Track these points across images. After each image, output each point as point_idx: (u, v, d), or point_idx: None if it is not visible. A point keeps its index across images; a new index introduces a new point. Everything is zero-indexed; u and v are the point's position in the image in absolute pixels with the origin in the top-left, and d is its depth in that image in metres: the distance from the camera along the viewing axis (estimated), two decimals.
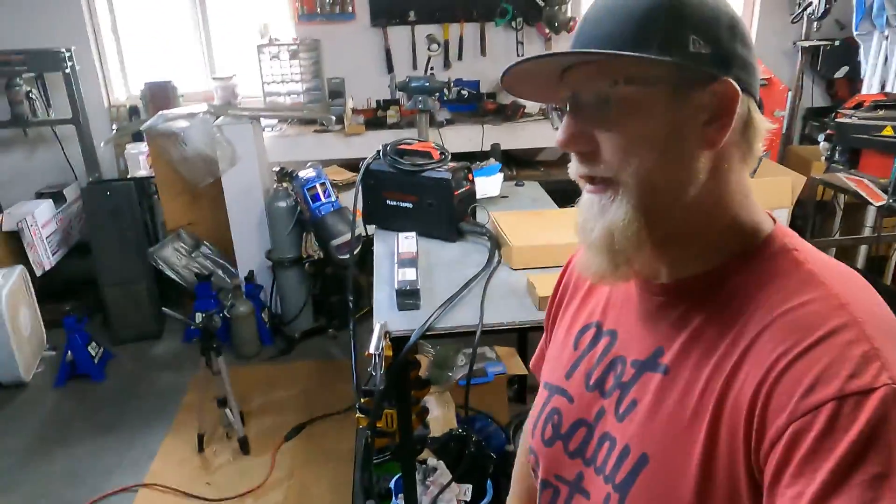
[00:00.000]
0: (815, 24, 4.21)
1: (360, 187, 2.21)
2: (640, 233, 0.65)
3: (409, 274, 1.73)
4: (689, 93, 0.63)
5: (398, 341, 1.60)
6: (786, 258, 0.65)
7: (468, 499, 2.04)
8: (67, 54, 3.71)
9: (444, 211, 2.09)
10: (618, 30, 0.63)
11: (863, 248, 3.70)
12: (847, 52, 4.16)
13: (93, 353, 3.41)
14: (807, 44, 4.27)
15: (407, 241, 1.94)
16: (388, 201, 2.20)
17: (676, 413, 0.65)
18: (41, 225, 3.63)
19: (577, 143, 0.67)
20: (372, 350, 1.48)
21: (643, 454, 0.67)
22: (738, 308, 0.64)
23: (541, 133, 3.96)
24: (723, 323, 0.64)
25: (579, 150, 0.68)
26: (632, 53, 0.61)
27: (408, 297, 1.68)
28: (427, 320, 1.59)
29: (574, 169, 0.70)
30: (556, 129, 0.71)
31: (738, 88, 0.63)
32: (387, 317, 1.66)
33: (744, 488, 0.59)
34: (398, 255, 1.86)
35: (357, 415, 1.77)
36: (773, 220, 0.71)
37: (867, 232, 3.57)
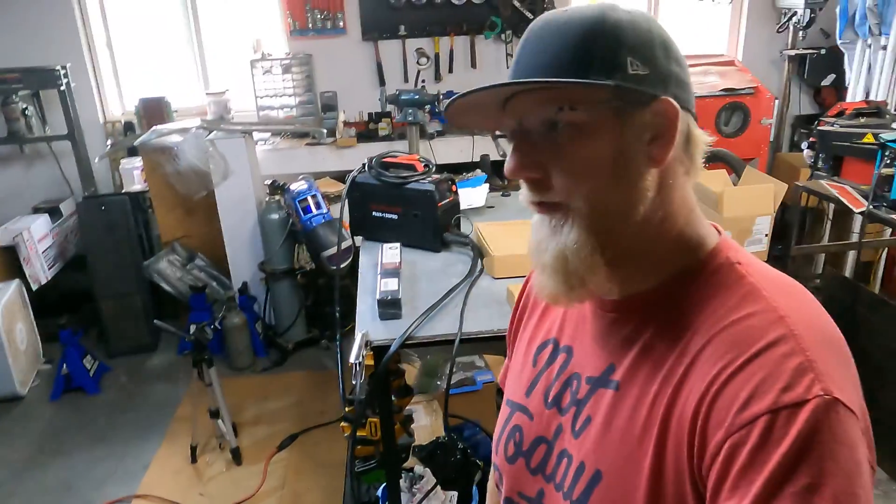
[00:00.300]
0: (801, 33, 4.28)
1: (347, 199, 2.25)
2: (594, 255, 0.66)
3: (391, 284, 1.77)
4: (631, 114, 0.65)
5: (380, 351, 1.64)
6: (729, 272, 0.67)
7: None
8: (63, 72, 3.77)
9: (428, 222, 2.13)
10: (558, 56, 0.64)
11: (851, 255, 3.73)
12: (833, 61, 4.22)
13: (88, 367, 3.45)
14: (793, 52, 4.33)
15: (391, 252, 1.98)
16: (374, 213, 2.24)
17: (627, 429, 0.66)
18: (37, 239, 3.67)
19: (527, 171, 0.67)
20: (352, 359, 1.52)
21: (597, 470, 0.68)
22: (685, 323, 0.65)
23: None
24: (670, 338, 0.66)
25: (530, 177, 0.68)
26: (576, 80, 0.63)
27: (389, 307, 1.71)
28: (407, 330, 1.63)
29: (525, 196, 0.70)
30: (502, 154, 0.72)
31: (678, 106, 0.65)
32: (369, 326, 1.70)
33: (691, 502, 0.60)
34: (381, 266, 1.89)
35: (342, 423, 1.80)
36: (719, 231, 0.73)
37: (855, 238, 3.60)
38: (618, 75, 0.63)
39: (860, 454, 0.55)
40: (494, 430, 0.88)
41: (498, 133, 0.74)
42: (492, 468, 1.08)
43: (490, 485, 1.06)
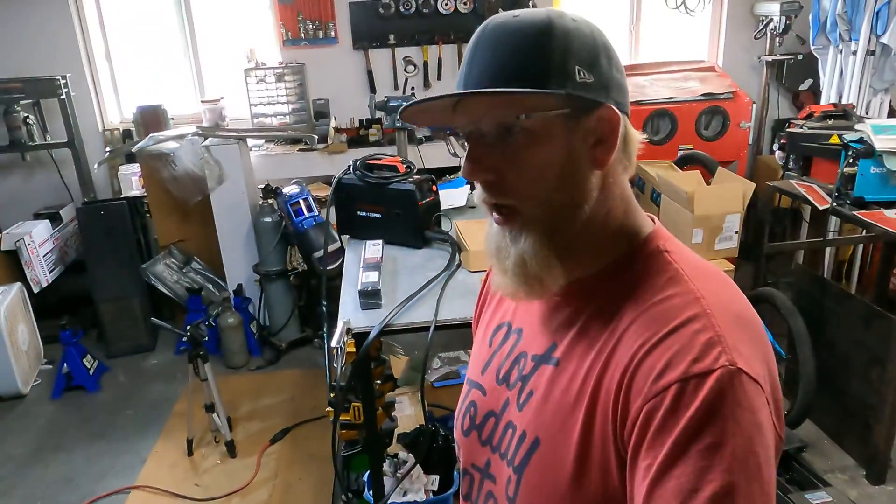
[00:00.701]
0: (778, 39, 4.41)
1: (333, 200, 2.37)
2: (550, 256, 0.72)
3: (372, 276, 1.89)
4: (578, 120, 0.69)
5: (361, 338, 1.76)
6: (657, 259, 0.73)
7: (435, 488, 2.18)
8: (63, 81, 3.90)
9: (409, 220, 2.26)
10: (512, 64, 0.68)
11: (828, 254, 3.85)
12: (809, 66, 4.35)
13: (88, 366, 3.56)
14: (770, 58, 4.46)
15: (373, 248, 2.10)
16: (359, 212, 2.37)
17: (562, 399, 0.72)
18: (38, 244, 3.79)
19: (483, 174, 0.71)
20: (333, 344, 1.64)
21: (536, 438, 0.74)
22: (617, 305, 0.71)
23: None
24: (604, 318, 0.72)
25: (485, 179, 0.71)
26: (536, 91, 0.66)
27: (370, 298, 1.83)
28: (386, 317, 1.75)
29: (479, 196, 0.74)
30: (453, 153, 0.77)
31: (619, 112, 0.70)
32: (351, 316, 1.81)
33: (614, 465, 0.66)
34: (364, 261, 2.01)
35: (328, 408, 1.92)
36: (654, 221, 0.79)
37: (831, 238, 3.72)
38: (569, 84, 0.68)
39: (762, 417, 0.61)
40: (457, 407, 0.94)
41: (449, 131, 0.77)
42: None
43: None
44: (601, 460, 0.67)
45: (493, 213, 0.74)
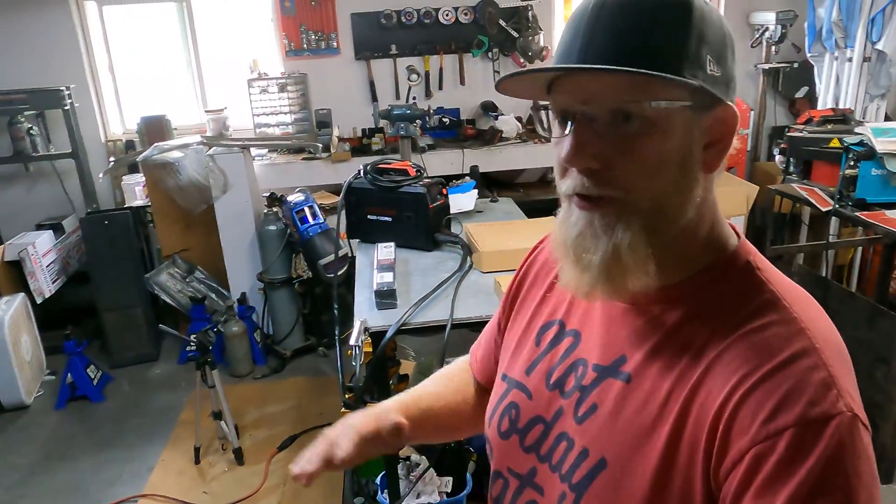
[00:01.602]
0: (774, 48, 4.47)
1: (344, 204, 2.39)
2: (648, 254, 0.64)
3: (387, 277, 1.91)
4: (699, 116, 0.63)
5: (377, 337, 1.77)
6: (749, 276, 0.68)
7: (449, 490, 2.18)
8: (67, 92, 3.92)
9: (420, 222, 2.28)
10: (647, 40, 0.61)
11: (827, 257, 3.88)
12: (805, 73, 4.41)
13: (92, 376, 3.54)
14: (767, 66, 4.52)
15: (386, 250, 2.12)
16: (370, 216, 2.39)
17: (636, 421, 0.66)
18: (42, 254, 3.79)
19: (587, 161, 0.64)
20: (352, 342, 1.65)
21: (602, 458, 0.68)
22: (702, 323, 0.65)
23: (517, 156, 4.17)
24: (686, 337, 0.66)
25: (588, 166, 0.64)
26: (673, 77, 0.59)
27: (385, 297, 1.85)
28: (403, 315, 1.77)
29: (573, 185, 0.66)
30: (546, 129, 0.74)
31: (738, 113, 0.65)
32: (367, 316, 1.83)
33: (698, 499, 0.61)
34: (377, 262, 2.03)
35: (342, 409, 1.92)
36: (738, 234, 0.72)
37: (831, 240, 3.76)
38: (700, 74, 0.61)
39: (874, 468, 0.59)
40: (489, 402, 0.87)
41: (541, 105, 0.77)
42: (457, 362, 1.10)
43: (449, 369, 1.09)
44: (682, 492, 0.63)
45: (580, 199, 0.66)
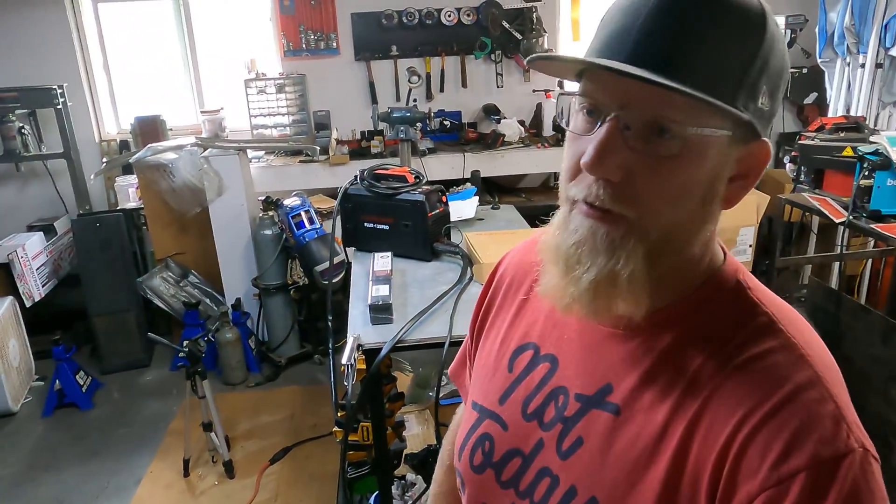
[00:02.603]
0: None
1: (339, 211, 2.30)
2: (645, 283, 0.59)
3: (383, 290, 1.81)
4: (736, 148, 0.58)
5: (371, 355, 1.68)
6: (742, 298, 0.63)
7: None
8: (59, 91, 3.83)
9: (418, 232, 2.18)
10: (706, 57, 0.54)
11: (836, 268, 3.79)
12: (815, 79, 4.32)
13: (81, 382, 3.45)
14: None
15: (382, 260, 2.02)
16: (366, 224, 2.29)
17: (629, 456, 0.61)
18: (31, 257, 3.70)
19: (611, 171, 0.57)
20: (344, 361, 1.55)
21: (592, 497, 0.63)
22: (695, 349, 0.61)
23: (519, 160, 4.08)
24: (679, 364, 0.61)
25: (610, 177, 0.57)
26: (726, 106, 0.53)
27: (380, 312, 1.75)
28: (398, 332, 1.67)
29: (584, 191, 0.59)
30: (559, 116, 0.63)
31: (771, 151, 0.60)
32: (361, 331, 1.73)
33: None
34: (373, 273, 1.93)
35: (334, 428, 1.83)
36: (723, 249, 0.68)
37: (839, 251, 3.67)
38: (752, 106, 0.56)
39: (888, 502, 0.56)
40: (458, 432, 0.80)
41: (565, 91, 0.67)
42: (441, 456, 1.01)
43: (438, 476, 1.01)
44: None
45: (588, 207, 0.59)
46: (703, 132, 0.55)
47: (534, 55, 0.60)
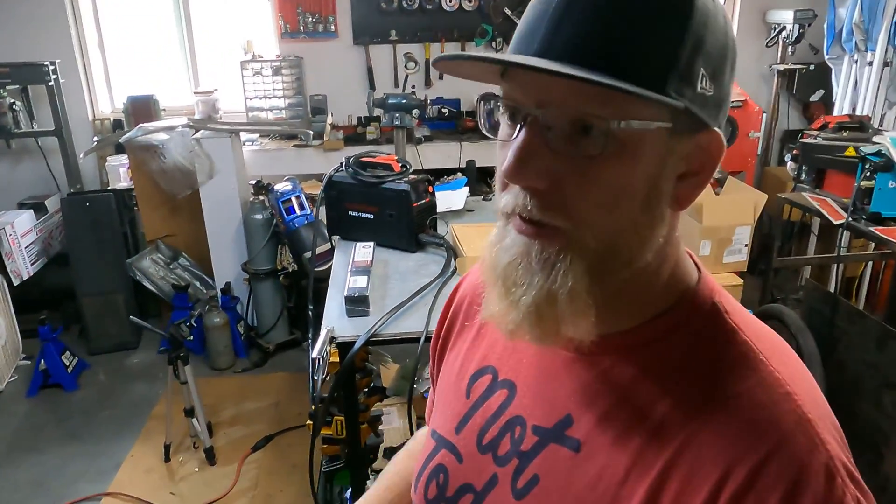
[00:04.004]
0: (790, 48, 4.30)
1: (324, 198, 2.25)
2: (588, 302, 0.53)
3: (360, 281, 1.76)
4: (678, 141, 0.52)
5: (345, 347, 1.63)
6: (718, 323, 0.57)
7: None
8: (52, 67, 3.77)
9: (403, 222, 2.13)
10: (629, 41, 0.48)
11: (835, 270, 3.73)
12: (821, 76, 4.24)
13: (67, 363, 3.42)
14: (782, 67, 4.35)
15: (363, 251, 1.97)
16: (351, 212, 2.24)
17: (590, 499, 0.56)
18: (21, 235, 3.66)
19: (533, 179, 0.51)
20: (315, 354, 1.51)
21: None
22: (661, 385, 0.55)
23: None
24: (642, 402, 0.55)
25: (532, 184, 0.52)
26: (653, 95, 0.47)
27: (356, 304, 1.70)
28: (372, 326, 1.62)
29: (512, 203, 0.53)
30: (485, 125, 0.59)
31: (724, 142, 0.53)
32: (336, 323, 1.68)
33: None
34: (353, 264, 1.88)
35: (308, 421, 1.79)
36: (698, 266, 0.61)
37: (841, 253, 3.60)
38: (688, 92, 0.49)
39: None
40: (417, 461, 0.75)
41: (484, 95, 0.58)
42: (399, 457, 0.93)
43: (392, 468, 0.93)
44: None
45: (521, 222, 0.53)
46: (632, 125, 0.49)
47: (438, 56, 0.53)
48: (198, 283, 3.87)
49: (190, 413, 2.79)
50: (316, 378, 1.54)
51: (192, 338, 3.52)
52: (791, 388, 0.52)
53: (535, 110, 0.50)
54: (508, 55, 0.51)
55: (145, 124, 3.68)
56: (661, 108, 0.49)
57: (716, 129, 0.53)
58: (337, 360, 1.63)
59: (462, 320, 0.77)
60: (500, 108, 0.55)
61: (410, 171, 2.21)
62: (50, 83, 3.76)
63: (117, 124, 4.24)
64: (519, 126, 0.51)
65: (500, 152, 0.55)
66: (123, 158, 3.96)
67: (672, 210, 0.55)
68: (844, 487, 0.49)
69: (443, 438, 0.71)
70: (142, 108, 4.03)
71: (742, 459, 0.49)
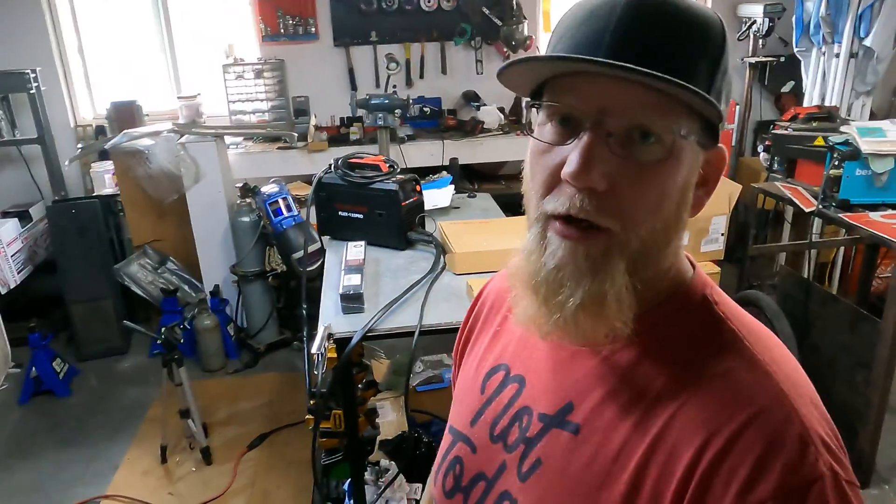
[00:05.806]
0: (761, 41, 4.41)
1: (313, 199, 2.30)
2: (632, 297, 0.57)
3: (354, 279, 1.83)
4: (702, 154, 0.59)
5: (343, 344, 1.69)
6: (707, 313, 0.62)
7: (419, 497, 2.12)
8: (32, 75, 3.77)
9: (392, 221, 2.19)
10: (680, 60, 0.53)
11: (810, 256, 3.85)
12: (792, 68, 4.35)
13: (58, 369, 3.44)
14: (753, 60, 4.46)
15: (355, 250, 2.03)
16: (340, 212, 2.30)
17: (585, 477, 0.60)
18: (6, 243, 3.65)
19: (596, 180, 0.54)
20: (314, 350, 1.57)
21: None
22: (657, 366, 0.60)
23: (499, 147, 4.09)
24: (641, 381, 0.60)
25: (595, 187, 0.54)
26: (716, 102, 0.53)
27: (351, 301, 1.77)
28: (369, 322, 1.69)
29: (565, 204, 0.56)
30: (527, 127, 0.61)
31: (726, 156, 0.61)
32: (332, 321, 1.75)
33: None
34: (345, 263, 1.95)
35: (307, 416, 1.85)
36: (693, 264, 0.67)
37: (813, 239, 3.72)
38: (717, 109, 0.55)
39: None
40: (436, 456, 0.80)
41: (532, 101, 0.60)
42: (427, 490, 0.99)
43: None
44: None
45: (563, 226, 0.57)
46: (682, 135, 0.55)
47: (506, 62, 0.56)
48: (186, 287, 3.90)
49: (185, 414, 2.83)
50: (315, 373, 1.60)
51: (182, 340, 3.55)
52: (772, 369, 0.57)
53: (598, 116, 0.54)
54: (602, 59, 0.52)
55: (130, 130, 3.70)
56: (694, 123, 0.55)
57: (721, 145, 0.60)
58: (334, 355, 1.69)
59: (482, 323, 0.82)
60: (546, 115, 0.58)
61: (398, 171, 2.27)
62: (31, 91, 3.76)
63: (100, 130, 4.23)
64: (582, 132, 0.55)
65: (539, 158, 0.58)
66: (108, 164, 3.97)
67: (690, 212, 0.61)
68: (818, 455, 0.52)
69: (459, 433, 0.75)
70: (125, 114, 4.03)
71: (721, 428, 0.53)
